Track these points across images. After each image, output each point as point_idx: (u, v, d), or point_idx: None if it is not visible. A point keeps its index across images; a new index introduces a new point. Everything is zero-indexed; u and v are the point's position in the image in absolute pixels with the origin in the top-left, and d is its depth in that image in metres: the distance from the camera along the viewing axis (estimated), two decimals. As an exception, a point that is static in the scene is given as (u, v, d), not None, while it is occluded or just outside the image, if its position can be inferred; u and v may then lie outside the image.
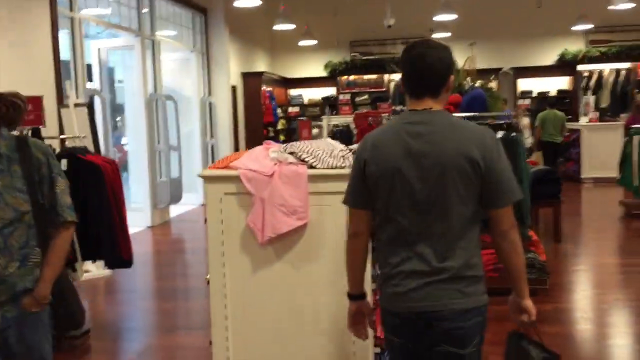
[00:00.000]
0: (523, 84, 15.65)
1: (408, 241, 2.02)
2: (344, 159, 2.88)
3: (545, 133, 11.80)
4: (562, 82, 15.54)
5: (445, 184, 1.97)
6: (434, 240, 2.00)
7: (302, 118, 13.05)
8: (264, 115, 13.46)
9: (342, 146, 3.02)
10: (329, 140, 3.18)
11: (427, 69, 2.02)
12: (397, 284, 2.05)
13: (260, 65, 14.91)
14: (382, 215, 2.07)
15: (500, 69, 15.17)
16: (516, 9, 14.77)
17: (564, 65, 15.30)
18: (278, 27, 11.30)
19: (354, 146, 2.99)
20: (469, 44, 11.11)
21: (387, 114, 6.08)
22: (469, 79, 6.85)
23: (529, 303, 2.11)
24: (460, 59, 10.75)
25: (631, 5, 10.69)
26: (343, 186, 2.25)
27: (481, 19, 14.83)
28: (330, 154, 2.90)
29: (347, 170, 2.66)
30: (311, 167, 2.87)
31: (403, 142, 2.00)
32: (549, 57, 15.46)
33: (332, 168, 2.86)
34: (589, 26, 13.36)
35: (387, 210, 2.05)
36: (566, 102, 15.42)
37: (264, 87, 13.65)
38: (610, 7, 10.79)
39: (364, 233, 2.16)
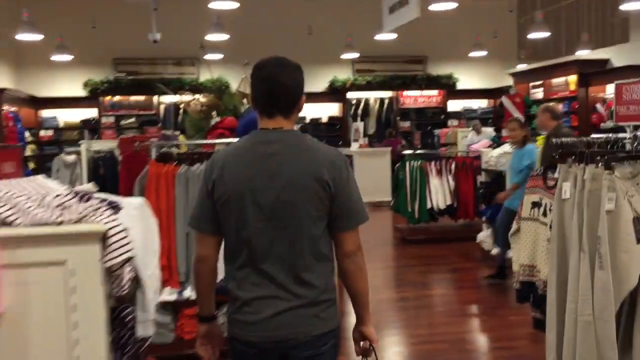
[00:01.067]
0: (297, 110, 15.68)
1: (261, 266, 1.97)
2: (63, 210, 1.85)
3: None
4: (333, 109, 15.89)
5: (297, 205, 1.95)
6: (288, 264, 1.97)
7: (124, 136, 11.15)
8: (7, 140, 11.37)
9: (63, 188, 1.99)
10: (42, 179, 2.11)
11: (278, 87, 2.00)
12: (251, 312, 1.99)
13: (1, 80, 12.71)
14: (232, 239, 2.01)
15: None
16: (289, 34, 14.73)
17: (334, 92, 15.67)
18: (22, 36, 9.55)
19: (83, 187, 1.99)
20: (243, 64, 10.51)
21: (156, 139, 5.47)
22: (244, 100, 6.16)
23: (371, 329, 2.13)
24: (234, 80, 10.07)
25: (394, 36, 11.12)
26: (61, 253, 1.74)
27: (254, 42, 14.50)
28: (40, 202, 1.86)
29: (67, 228, 1.79)
30: (5, 223, 1.80)
31: (254, 162, 1.97)
32: (321, 84, 15.72)
33: (42, 225, 1.82)
34: (355, 55, 13.78)
35: (237, 233, 1.99)
36: (337, 127, 15.77)
37: (5, 107, 11.57)
38: (376, 37, 11.09)
39: (211, 257, 2.08)
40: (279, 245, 1.96)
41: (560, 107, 13.19)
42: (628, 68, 11.37)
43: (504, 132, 11.07)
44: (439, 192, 8.34)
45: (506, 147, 6.95)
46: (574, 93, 12.60)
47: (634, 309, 2.43)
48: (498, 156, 6.87)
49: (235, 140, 4.27)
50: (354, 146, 13.30)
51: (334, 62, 15.35)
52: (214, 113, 5.90)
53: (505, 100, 11.36)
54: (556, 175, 2.89)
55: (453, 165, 8.52)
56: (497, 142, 10.08)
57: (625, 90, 5.53)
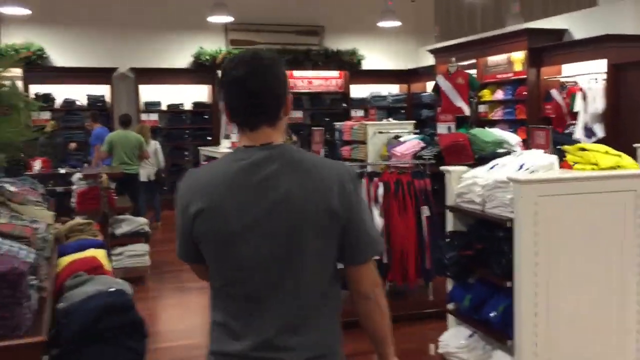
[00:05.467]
0: (147, 93, 11.43)
1: (249, 310, 1.64)
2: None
3: (116, 161, 7.98)
4: (199, 92, 11.79)
5: (298, 240, 1.60)
6: (281, 310, 1.62)
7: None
8: None
9: None
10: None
11: (257, 88, 1.62)
12: None
13: None
14: (215, 278, 1.69)
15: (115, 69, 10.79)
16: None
17: (200, 69, 11.60)
18: None
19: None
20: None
21: None
22: None
23: None
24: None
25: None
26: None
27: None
28: None
29: None
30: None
31: (243, 190, 1.61)
32: (182, 58, 11.60)
33: None
34: (229, 19, 9.86)
35: (222, 272, 1.67)
36: (205, 118, 11.71)
37: None
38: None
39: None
40: (278, 290, 1.61)
41: (500, 94, 9.97)
42: (593, 40, 8.26)
43: (439, 128, 7.60)
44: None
45: (509, 164, 3.31)
46: (521, 75, 9.36)
47: None
48: (493, 187, 3.20)
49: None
50: (224, 145, 9.28)
51: (199, 28, 11.30)
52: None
53: (442, 81, 7.84)
54: None
55: (380, 189, 4.83)
56: (429, 141, 6.58)
57: None
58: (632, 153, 4.36)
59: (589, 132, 8.32)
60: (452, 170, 3.66)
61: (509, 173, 3.18)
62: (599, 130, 8.17)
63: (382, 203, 4.79)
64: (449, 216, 3.70)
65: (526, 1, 11.76)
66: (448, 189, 3.68)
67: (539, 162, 3.21)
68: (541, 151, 3.42)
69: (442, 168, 3.76)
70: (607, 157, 3.24)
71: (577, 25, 9.15)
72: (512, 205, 3.09)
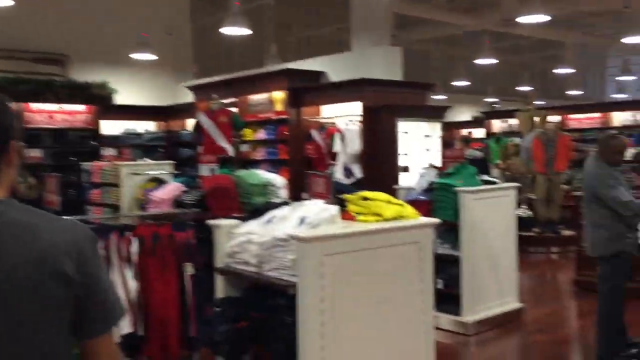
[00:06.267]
0: None
1: None
2: None
3: None
4: None
5: (21, 313, 1.32)
6: None
7: None
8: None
9: None
10: None
11: None
12: None
13: None
14: None
15: None
16: None
17: None
18: None
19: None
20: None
21: None
22: None
23: None
24: None
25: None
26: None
27: None
28: None
29: None
30: None
31: None
32: None
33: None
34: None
35: None
36: None
37: None
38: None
39: None
40: None
41: (262, 133, 9.78)
42: (348, 84, 8.52)
43: (201, 170, 7.03)
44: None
45: (289, 218, 2.83)
46: (283, 114, 9.26)
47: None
48: (271, 246, 2.65)
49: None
50: None
51: None
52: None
53: (203, 119, 7.26)
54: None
55: (134, 245, 4.03)
56: (191, 184, 5.99)
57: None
58: (391, 194, 4.27)
59: (348, 173, 8.47)
60: (222, 225, 3.07)
61: (290, 229, 2.69)
62: (357, 171, 8.36)
63: (136, 262, 3.98)
64: (219, 280, 3.09)
65: (282, 43, 11.94)
66: (217, 246, 3.08)
67: (321, 214, 2.78)
68: (321, 201, 3.01)
69: (210, 222, 3.14)
70: (390, 206, 2.96)
71: (333, 68, 9.40)
72: (294, 267, 2.59)
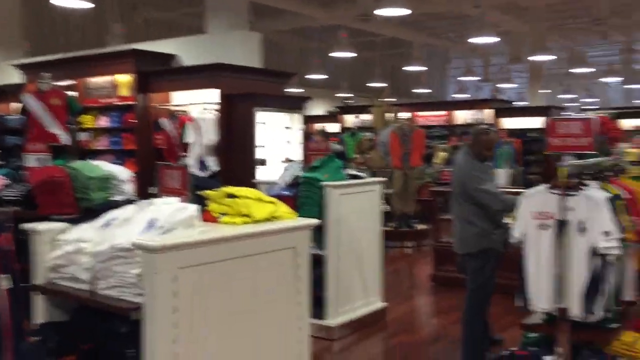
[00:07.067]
0: None
1: None
2: None
3: None
4: None
5: None
6: None
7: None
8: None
9: None
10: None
11: None
12: None
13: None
14: None
15: None
16: None
17: None
18: None
19: None
20: None
21: None
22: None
23: None
24: None
25: None
26: None
27: None
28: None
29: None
30: None
31: None
32: None
33: None
34: None
35: None
36: None
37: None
38: None
39: None
40: None
41: (104, 120, 8.78)
42: (204, 68, 7.87)
43: (28, 160, 6.02)
44: None
45: (134, 220, 2.22)
46: (129, 100, 8.35)
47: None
48: (109, 257, 2.05)
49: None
50: None
51: None
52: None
53: (31, 101, 6.20)
54: None
55: None
56: (15, 177, 5.06)
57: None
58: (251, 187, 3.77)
59: (202, 166, 7.81)
60: (42, 230, 2.37)
61: (134, 235, 2.09)
62: (213, 164, 7.74)
63: None
64: (39, 301, 2.40)
65: (128, 23, 10.93)
66: (36, 258, 2.38)
67: (176, 216, 2.21)
68: (176, 199, 2.43)
69: (26, 226, 2.43)
70: (261, 205, 2.46)
71: (186, 51, 8.66)
72: (139, 284, 2.00)
